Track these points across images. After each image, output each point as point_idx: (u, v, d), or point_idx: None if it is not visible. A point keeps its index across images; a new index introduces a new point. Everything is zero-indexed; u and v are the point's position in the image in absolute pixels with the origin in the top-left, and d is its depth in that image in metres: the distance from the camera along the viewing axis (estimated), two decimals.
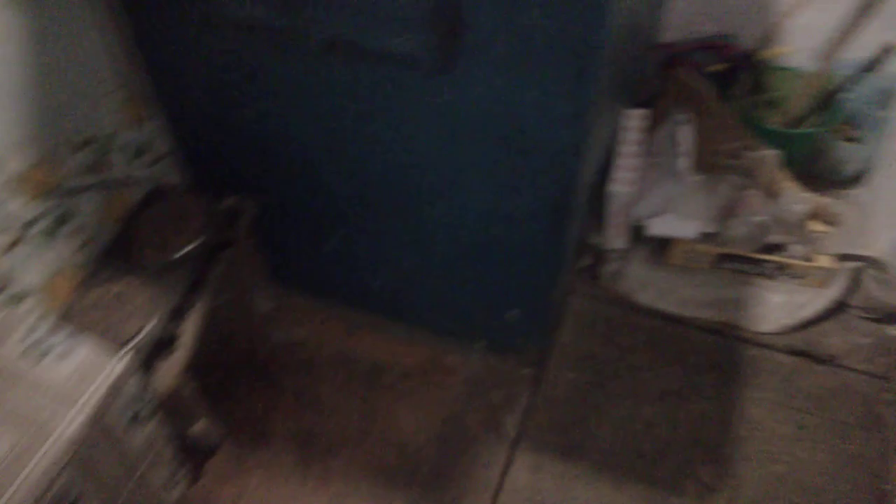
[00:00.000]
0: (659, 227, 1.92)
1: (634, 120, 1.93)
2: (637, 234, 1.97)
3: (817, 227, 2.00)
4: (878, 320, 1.86)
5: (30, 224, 1.27)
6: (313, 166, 1.48)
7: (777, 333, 1.85)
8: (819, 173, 2.14)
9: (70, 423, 1.14)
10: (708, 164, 1.98)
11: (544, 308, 1.63)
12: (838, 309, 1.89)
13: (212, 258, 1.48)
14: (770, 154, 1.99)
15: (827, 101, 2.07)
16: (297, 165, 1.49)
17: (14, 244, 1.25)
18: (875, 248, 1.91)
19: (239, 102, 1.41)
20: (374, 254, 1.65)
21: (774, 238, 1.93)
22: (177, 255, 1.42)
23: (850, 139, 2.12)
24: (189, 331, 1.40)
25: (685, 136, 1.95)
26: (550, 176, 1.27)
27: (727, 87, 2.15)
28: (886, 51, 1.98)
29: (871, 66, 2.01)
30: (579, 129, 1.19)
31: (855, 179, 2.16)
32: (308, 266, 1.79)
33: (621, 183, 1.82)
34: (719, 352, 1.81)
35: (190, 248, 1.43)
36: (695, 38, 2.22)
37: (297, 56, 1.25)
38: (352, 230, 1.60)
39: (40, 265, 1.31)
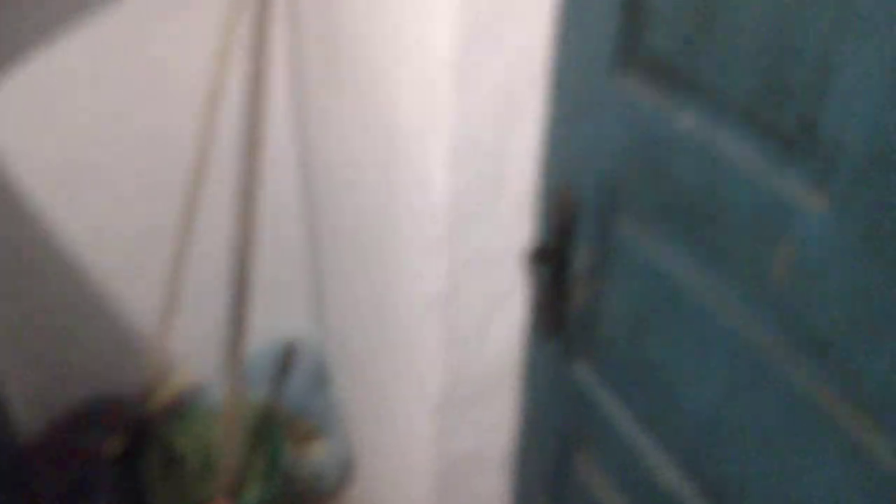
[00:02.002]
0: None
1: None
2: None
3: None
4: None
5: None
6: None
7: None
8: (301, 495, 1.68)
9: None
10: None
11: None
12: None
13: None
14: None
15: (263, 427, 1.72)
16: None
17: None
18: None
19: None
20: None
21: None
22: None
23: (314, 444, 1.77)
24: None
25: None
26: None
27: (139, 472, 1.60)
28: (290, 352, 1.84)
29: (285, 370, 1.82)
30: None
31: (342, 482, 1.76)
32: None
33: None
34: None
35: None
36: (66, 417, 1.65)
37: None
38: None
39: None
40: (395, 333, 1.31)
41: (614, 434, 0.95)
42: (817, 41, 0.57)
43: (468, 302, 1.10)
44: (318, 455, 1.80)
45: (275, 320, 1.87)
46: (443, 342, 1.13)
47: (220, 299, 1.70)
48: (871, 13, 0.52)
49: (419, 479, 1.34)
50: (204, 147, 1.57)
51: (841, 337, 0.60)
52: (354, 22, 1.19)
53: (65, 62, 1.49)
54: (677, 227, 0.76)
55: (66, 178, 1.60)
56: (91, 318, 1.76)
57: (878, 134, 0.53)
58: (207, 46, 1.53)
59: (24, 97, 1.49)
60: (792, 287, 0.63)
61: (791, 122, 0.61)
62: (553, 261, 0.96)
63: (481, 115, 0.95)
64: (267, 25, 1.47)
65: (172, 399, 1.81)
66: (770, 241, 0.65)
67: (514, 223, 1.05)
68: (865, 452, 0.60)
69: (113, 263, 1.72)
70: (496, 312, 1.12)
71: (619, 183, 0.83)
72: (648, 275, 0.82)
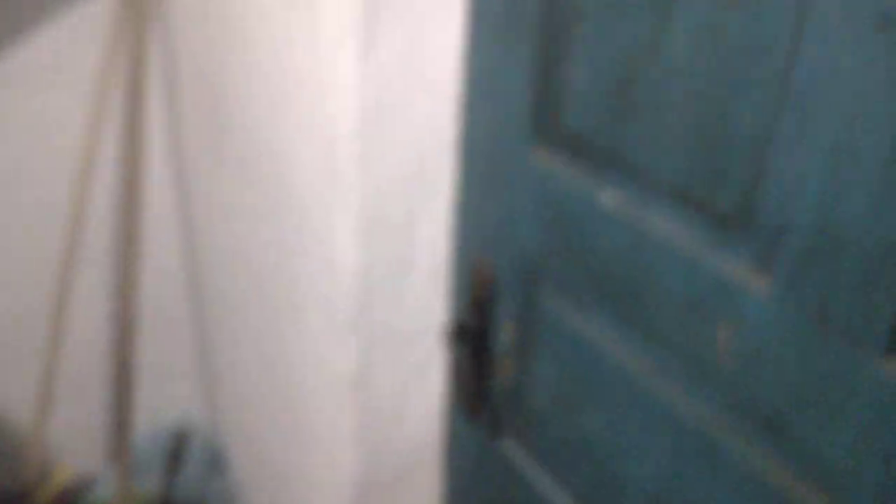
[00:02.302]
0: None
1: None
2: None
3: None
4: None
5: None
6: None
7: None
8: None
9: None
10: None
11: None
12: None
13: None
14: None
15: None
16: None
17: None
18: None
19: None
20: None
21: None
22: None
23: None
24: None
25: None
26: None
27: None
28: (180, 438, 1.71)
29: (176, 458, 1.68)
30: None
31: None
32: None
33: None
34: None
35: None
36: None
37: None
38: None
39: None
40: (303, 416, 1.23)
41: None
42: (753, 119, 0.56)
43: (383, 382, 1.04)
44: None
45: (163, 405, 1.73)
46: (357, 425, 1.06)
47: (102, 385, 1.56)
48: (811, 88, 0.52)
49: None
50: (76, 224, 1.44)
51: (795, 415, 0.58)
52: (241, 94, 1.12)
53: None
54: (608, 302, 0.74)
55: None
56: None
57: (823, 211, 0.53)
58: (79, 121, 1.42)
59: None
60: (738, 366, 0.62)
61: (728, 202, 0.60)
62: (473, 337, 0.92)
63: (389, 189, 0.90)
64: (141, 97, 1.37)
65: (56, 497, 1.63)
66: (710, 320, 0.63)
67: (429, 298, 1.00)
68: None
69: None
70: (414, 391, 1.06)
71: (542, 257, 0.81)
72: (580, 350, 0.79)
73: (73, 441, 1.68)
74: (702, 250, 0.63)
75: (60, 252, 1.46)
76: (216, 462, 1.76)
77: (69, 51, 1.37)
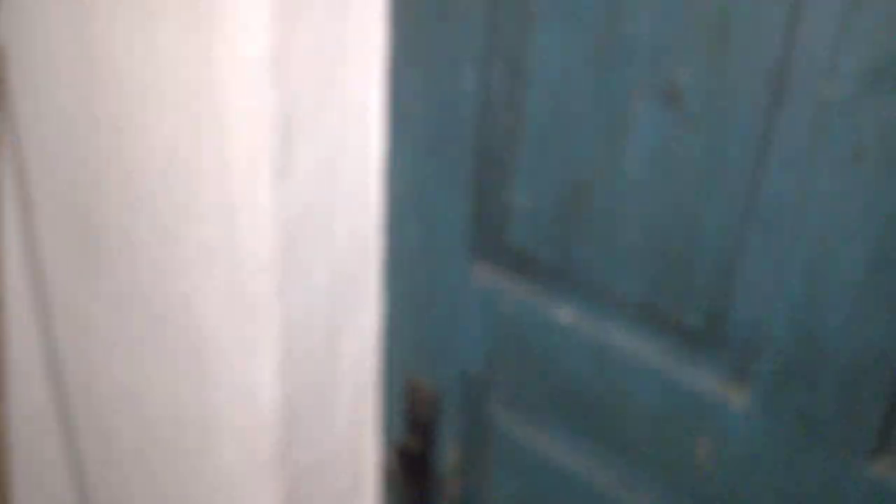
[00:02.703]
0: None
1: None
2: None
3: None
4: None
5: None
6: None
7: None
8: None
9: None
10: None
11: None
12: None
13: None
14: None
15: None
16: None
17: None
18: None
19: None
20: None
21: None
22: None
23: None
24: None
25: None
26: None
27: None
28: None
29: None
30: None
31: None
32: None
33: None
34: None
35: None
36: None
37: None
38: None
39: None
40: None
41: None
42: (718, 236, 0.57)
43: None
44: None
45: None
46: None
47: None
48: (779, 209, 0.53)
49: None
50: None
51: None
52: (124, 225, 1.01)
53: None
54: (569, 417, 0.72)
55: None
56: None
57: (799, 325, 0.54)
58: None
59: None
60: (719, 478, 0.62)
61: (696, 318, 0.60)
62: (413, 460, 0.87)
63: (310, 312, 0.85)
64: None
65: None
66: (687, 434, 0.63)
67: (357, 423, 0.94)
68: None
69: None
70: None
71: (490, 373, 0.78)
72: (537, 466, 0.77)
73: None
74: (672, 366, 0.63)
75: None
76: None
77: None
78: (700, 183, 0.57)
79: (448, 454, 0.85)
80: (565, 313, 0.69)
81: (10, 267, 1.33)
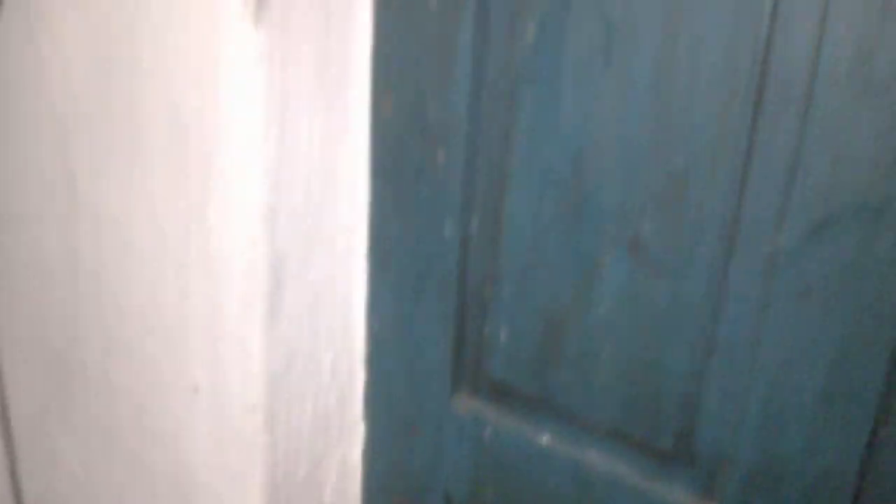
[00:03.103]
0: None
1: None
2: None
3: None
4: None
5: None
6: None
7: None
8: None
9: None
10: None
11: None
12: None
13: None
14: None
15: None
16: None
17: None
18: None
19: None
20: None
21: None
22: None
23: None
24: None
25: None
26: None
27: None
28: None
29: None
30: None
31: None
32: None
33: None
34: None
35: None
36: None
37: None
38: None
39: None
40: None
41: None
42: (682, 368, 0.64)
43: None
44: None
45: None
46: None
47: None
48: (737, 342, 0.61)
49: None
50: None
51: None
52: (104, 360, 1.03)
53: None
54: None
55: None
56: None
57: (762, 446, 0.61)
58: None
59: None
60: None
61: (665, 440, 0.67)
62: None
63: (296, 450, 0.87)
64: None
65: None
66: None
67: None
68: None
69: None
70: None
71: (472, 498, 0.82)
72: None
73: None
74: (645, 484, 0.69)
75: None
76: None
77: None
78: (663, 322, 0.64)
79: None
80: (542, 439, 0.74)
81: None
